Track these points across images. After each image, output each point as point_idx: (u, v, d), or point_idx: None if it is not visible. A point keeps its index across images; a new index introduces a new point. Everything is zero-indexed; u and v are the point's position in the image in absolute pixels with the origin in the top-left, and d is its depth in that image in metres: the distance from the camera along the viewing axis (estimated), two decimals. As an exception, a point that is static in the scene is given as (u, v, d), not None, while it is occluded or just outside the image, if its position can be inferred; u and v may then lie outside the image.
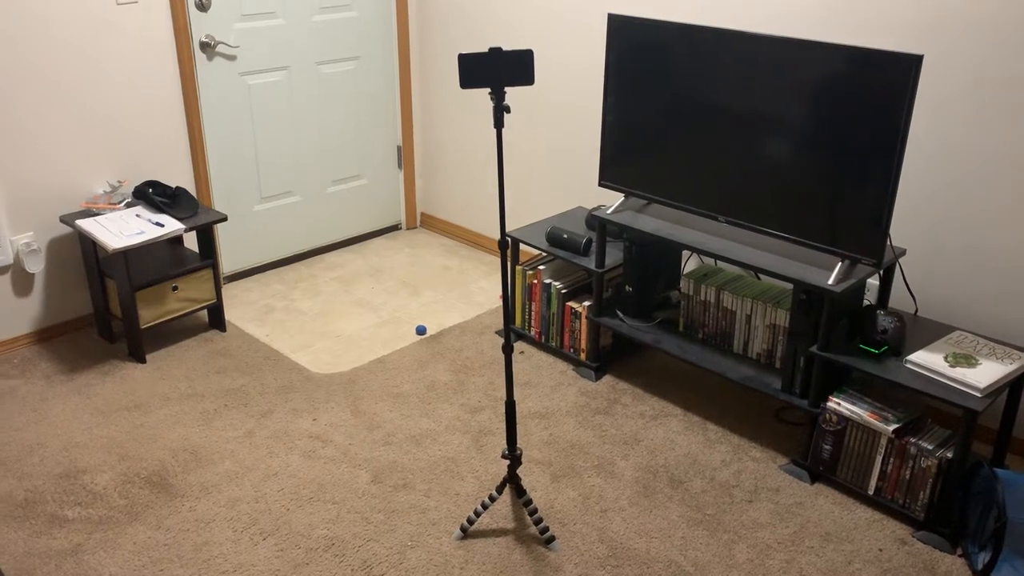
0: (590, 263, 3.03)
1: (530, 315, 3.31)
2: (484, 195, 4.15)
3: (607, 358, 3.19)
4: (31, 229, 3.20)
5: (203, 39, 3.46)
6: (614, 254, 3.08)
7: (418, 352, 3.29)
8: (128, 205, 3.27)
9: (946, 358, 2.37)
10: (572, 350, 3.20)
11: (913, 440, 2.35)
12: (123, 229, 3.06)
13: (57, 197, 3.23)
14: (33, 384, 3.05)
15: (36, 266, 3.21)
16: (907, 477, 2.38)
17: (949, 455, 2.30)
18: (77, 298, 3.39)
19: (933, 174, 2.65)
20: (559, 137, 3.69)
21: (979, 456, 2.44)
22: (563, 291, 3.16)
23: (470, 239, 4.29)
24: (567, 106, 3.61)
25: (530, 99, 3.74)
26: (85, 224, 3.09)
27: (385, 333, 3.44)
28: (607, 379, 3.12)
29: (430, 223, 4.48)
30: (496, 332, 3.43)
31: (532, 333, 3.32)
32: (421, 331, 3.43)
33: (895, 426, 2.37)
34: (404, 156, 4.33)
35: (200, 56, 3.47)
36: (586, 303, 3.10)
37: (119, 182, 3.32)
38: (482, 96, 3.97)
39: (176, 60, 3.40)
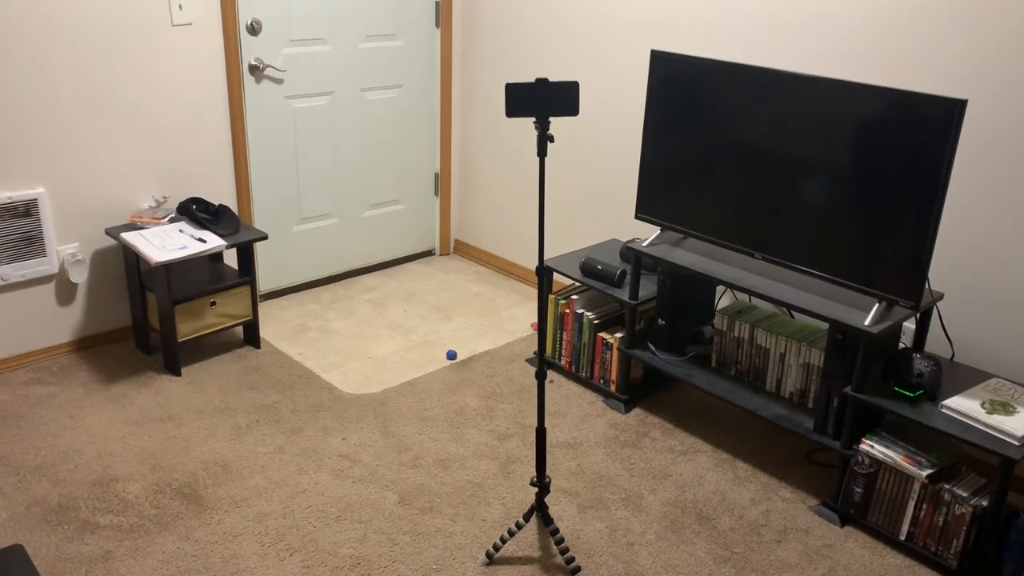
0: (623, 295, 3.04)
1: (561, 344, 3.32)
2: (518, 224, 4.18)
3: (637, 391, 3.19)
4: (77, 240, 3.28)
5: (252, 62, 3.55)
6: (648, 287, 3.08)
7: (448, 377, 3.31)
8: (172, 220, 3.34)
9: (983, 404, 2.34)
10: (602, 381, 3.20)
11: (947, 487, 2.32)
12: (166, 243, 3.12)
13: (103, 210, 3.31)
14: (71, 392, 3.10)
15: (80, 276, 3.28)
16: (940, 524, 2.35)
17: (984, 503, 2.27)
18: (117, 309, 3.46)
19: (975, 219, 2.64)
20: (596, 168, 3.72)
21: (1015, 506, 2.40)
22: (595, 322, 3.17)
23: (502, 267, 4.32)
24: (605, 138, 3.64)
25: (568, 130, 3.78)
26: (129, 237, 3.16)
27: (416, 356, 3.46)
28: (636, 412, 3.11)
29: (464, 250, 4.52)
30: (526, 360, 3.44)
31: (563, 363, 3.33)
32: (452, 356, 3.45)
33: (929, 471, 2.35)
34: (441, 183, 4.39)
35: (248, 78, 3.56)
36: (618, 335, 3.10)
37: (164, 197, 3.40)
38: (519, 126, 4.02)
39: (225, 81, 3.48)
